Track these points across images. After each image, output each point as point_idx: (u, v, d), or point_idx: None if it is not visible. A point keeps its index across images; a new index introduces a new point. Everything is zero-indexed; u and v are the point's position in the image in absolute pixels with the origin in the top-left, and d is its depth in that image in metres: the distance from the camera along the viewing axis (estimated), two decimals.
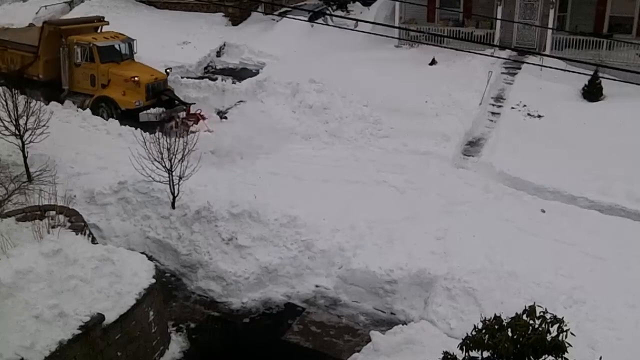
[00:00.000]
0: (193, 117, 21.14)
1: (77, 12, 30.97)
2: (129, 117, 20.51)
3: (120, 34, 22.72)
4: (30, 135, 16.44)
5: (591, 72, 20.40)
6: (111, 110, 20.88)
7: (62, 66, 21.89)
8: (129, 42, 22.49)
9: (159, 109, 20.78)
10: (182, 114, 21.19)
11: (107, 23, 23.50)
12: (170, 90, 22.06)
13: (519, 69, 24.00)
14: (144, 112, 20.57)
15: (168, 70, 22.57)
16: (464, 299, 12.65)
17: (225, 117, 21.66)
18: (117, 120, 20.38)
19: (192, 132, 18.84)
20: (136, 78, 20.87)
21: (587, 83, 21.57)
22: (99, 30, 23.25)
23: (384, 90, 21.94)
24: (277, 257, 14.48)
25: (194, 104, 21.98)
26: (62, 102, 21.66)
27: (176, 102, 21.64)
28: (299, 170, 17.80)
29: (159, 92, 21.46)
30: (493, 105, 22.04)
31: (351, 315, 13.81)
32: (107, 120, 20.51)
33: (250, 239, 14.69)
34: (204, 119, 20.92)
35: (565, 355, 7.64)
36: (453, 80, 22.64)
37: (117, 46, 22.21)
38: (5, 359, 9.28)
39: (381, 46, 25.19)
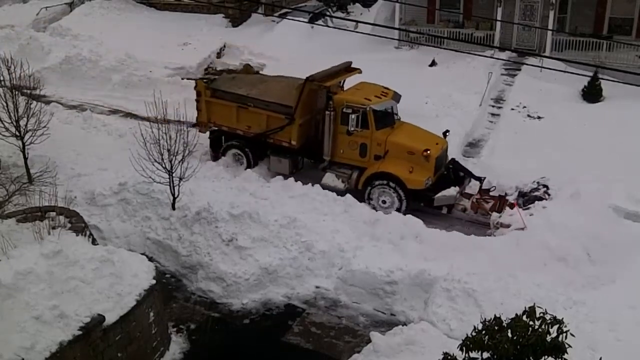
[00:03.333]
0: (491, 198, 16.52)
1: (78, 14, 31.02)
2: (408, 197, 16.34)
3: (386, 88, 17.60)
4: (30, 136, 16.46)
5: (591, 74, 20.39)
6: (397, 192, 16.29)
7: (326, 132, 17.02)
8: (398, 98, 17.57)
9: (454, 189, 16.34)
10: (476, 191, 16.80)
11: (360, 71, 18.44)
12: (454, 159, 17.57)
13: (519, 70, 24.03)
14: (440, 194, 16.13)
15: (447, 133, 17.39)
16: (464, 300, 12.65)
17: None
18: (402, 204, 16.20)
19: (501, 226, 15.35)
20: (428, 152, 16.15)
21: (587, 84, 21.60)
22: (341, 82, 18.55)
23: None
24: (277, 258, 14.48)
25: (485, 178, 17.14)
26: (322, 175, 17.21)
27: (461, 173, 17.16)
28: None
29: (447, 166, 17.16)
30: (493, 106, 22.06)
31: (351, 316, 13.82)
32: (390, 207, 16.30)
33: (250, 240, 14.69)
34: (515, 207, 15.61)
35: (565, 356, 7.66)
36: (453, 82, 22.65)
37: (390, 107, 17.36)
38: None
39: (381, 47, 25.20)
